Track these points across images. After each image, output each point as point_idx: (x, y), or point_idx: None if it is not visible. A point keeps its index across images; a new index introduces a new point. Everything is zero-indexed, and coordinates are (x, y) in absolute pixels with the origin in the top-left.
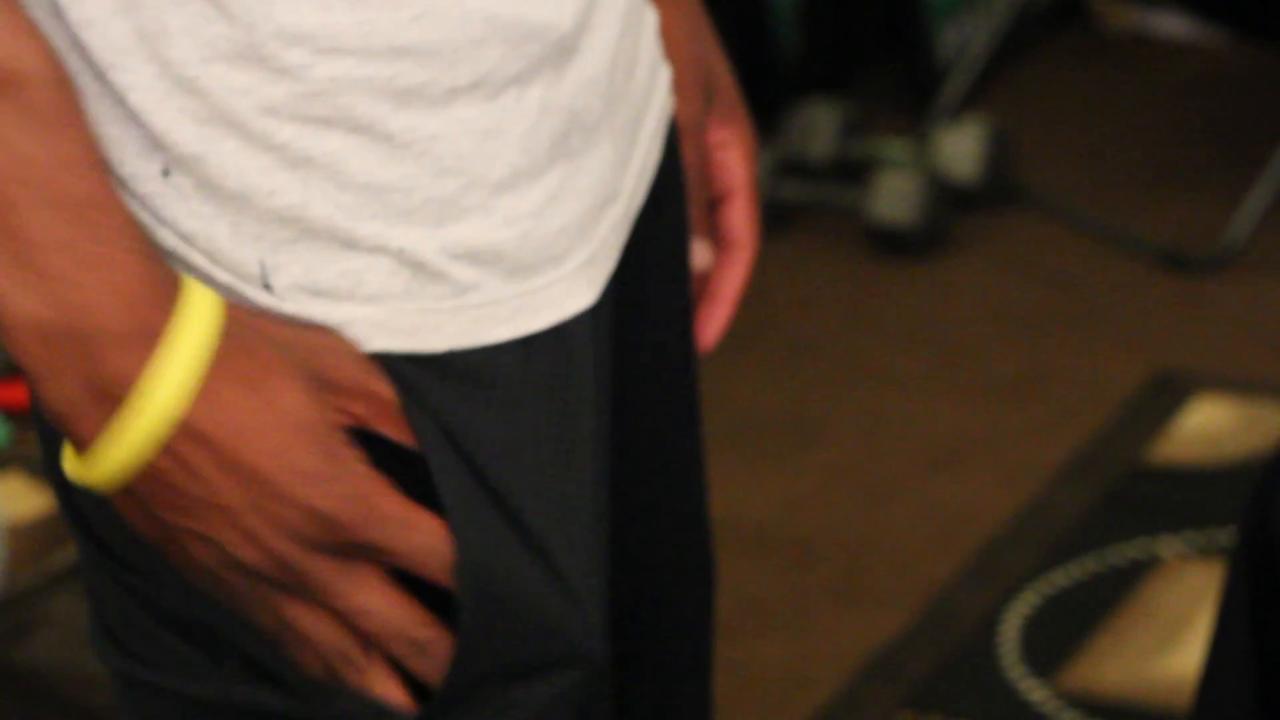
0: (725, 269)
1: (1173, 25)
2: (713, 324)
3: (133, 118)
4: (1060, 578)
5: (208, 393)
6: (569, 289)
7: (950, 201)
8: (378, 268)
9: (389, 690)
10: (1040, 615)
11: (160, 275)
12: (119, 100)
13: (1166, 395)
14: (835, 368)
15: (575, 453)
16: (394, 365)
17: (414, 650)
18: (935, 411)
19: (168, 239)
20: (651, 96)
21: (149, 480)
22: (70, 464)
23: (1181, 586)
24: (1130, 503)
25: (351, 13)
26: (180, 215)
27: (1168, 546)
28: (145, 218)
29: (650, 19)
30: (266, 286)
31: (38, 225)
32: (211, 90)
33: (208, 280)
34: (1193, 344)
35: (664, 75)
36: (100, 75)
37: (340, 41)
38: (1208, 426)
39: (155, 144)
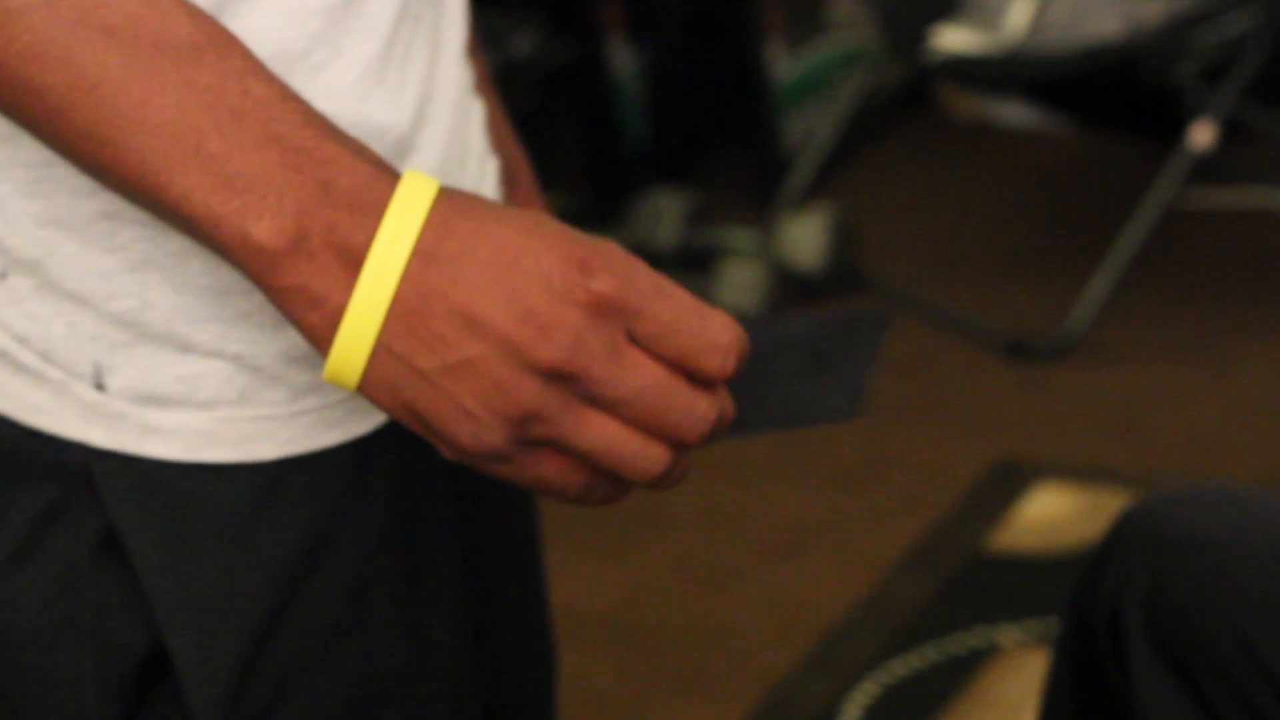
0: None
1: (1017, 114)
2: None
3: None
4: (900, 667)
5: (437, 221)
6: None
7: (794, 290)
8: (214, 373)
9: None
10: (880, 705)
11: (377, 162)
12: None
13: (1008, 483)
14: None
15: (423, 563)
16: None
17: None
18: (777, 500)
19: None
20: (481, 188)
21: (401, 320)
22: (330, 366)
23: (1021, 675)
24: (971, 591)
25: None
26: (14, 316)
27: (1007, 635)
28: None
29: (477, 112)
30: (99, 387)
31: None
32: (54, 193)
33: (38, 378)
34: (1034, 431)
35: (492, 166)
36: None
37: None
38: (1048, 514)
39: None
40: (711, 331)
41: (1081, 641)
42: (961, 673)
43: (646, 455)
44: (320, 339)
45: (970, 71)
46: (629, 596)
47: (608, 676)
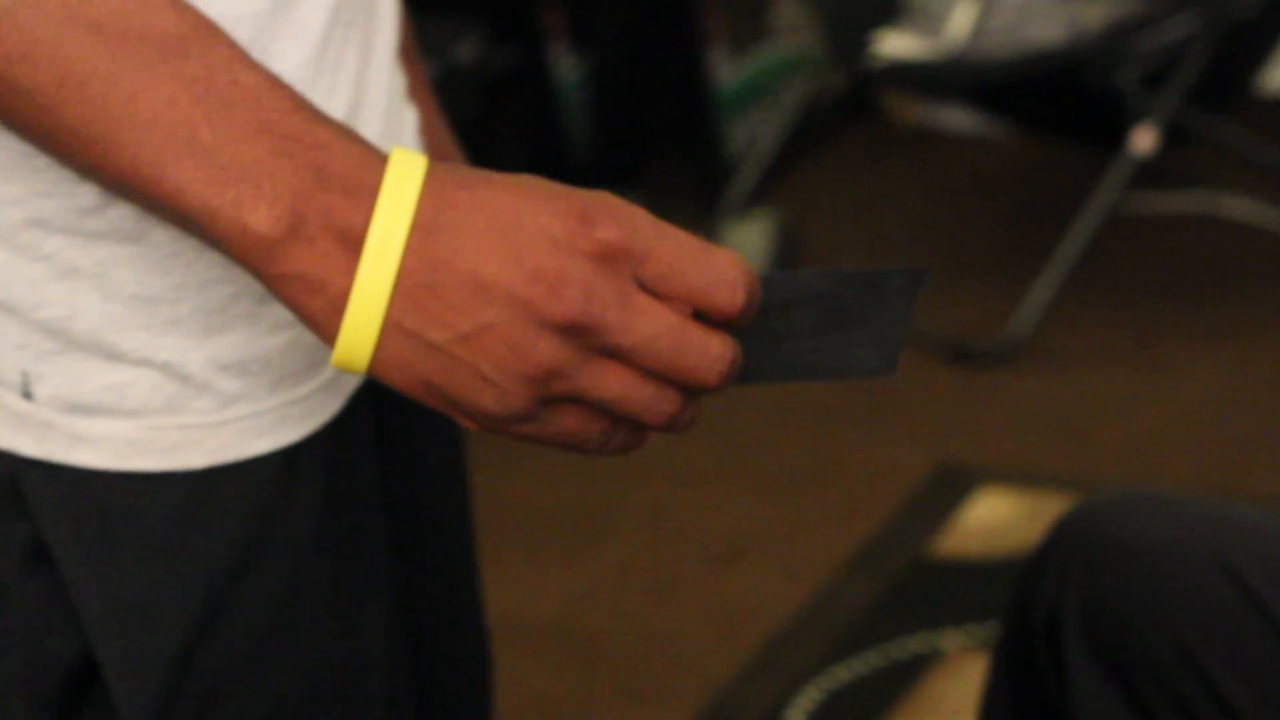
0: None
1: (960, 119)
2: None
3: None
4: (843, 672)
5: (432, 193)
6: (330, 396)
7: None
8: (142, 381)
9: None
10: (824, 710)
11: (365, 143)
12: None
13: (950, 488)
14: (620, 463)
15: (355, 568)
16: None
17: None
18: (720, 506)
19: None
20: None
21: (408, 296)
22: (339, 350)
23: (963, 680)
24: (913, 596)
25: None
26: None
27: (950, 640)
28: None
29: (410, 119)
30: (27, 395)
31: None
32: None
33: None
34: (977, 436)
35: None
36: None
37: None
38: (990, 519)
39: None
40: (718, 267)
41: (1019, 646)
42: (904, 677)
43: (662, 400)
44: (324, 325)
45: (913, 77)
46: (572, 603)
47: (551, 683)
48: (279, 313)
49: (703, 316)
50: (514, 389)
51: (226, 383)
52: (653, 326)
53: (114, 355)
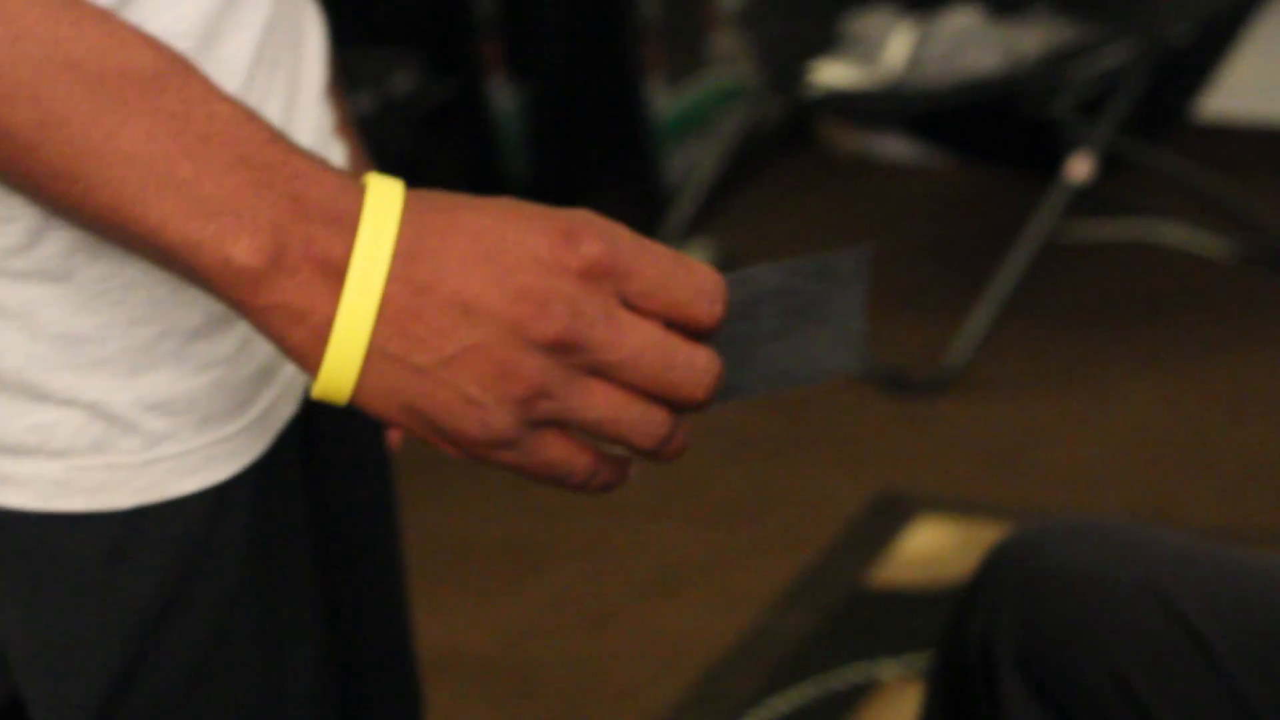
0: None
1: (897, 148)
2: (394, 434)
3: None
4: (781, 703)
5: (412, 219)
6: (257, 435)
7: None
8: (69, 422)
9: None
10: None
11: (340, 172)
12: None
13: (888, 518)
14: (561, 495)
15: (283, 606)
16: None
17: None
18: (659, 537)
19: None
20: None
21: (392, 323)
22: (322, 379)
23: (901, 710)
24: (851, 626)
25: None
26: None
27: (887, 670)
28: None
29: (337, 154)
30: None
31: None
32: None
33: None
34: (915, 465)
35: None
36: None
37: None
38: (928, 548)
39: None
40: (698, 279)
41: (953, 676)
42: (842, 708)
43: (651, 419)
44: (307, 355)
45: (850, 106)
46: (510, 636)
47: (488, 716)
48: (206, 352)
49: (677, 328)
50: (499, 411)
51: (153, 422)
52: (639, 342)
53: (40, 395)
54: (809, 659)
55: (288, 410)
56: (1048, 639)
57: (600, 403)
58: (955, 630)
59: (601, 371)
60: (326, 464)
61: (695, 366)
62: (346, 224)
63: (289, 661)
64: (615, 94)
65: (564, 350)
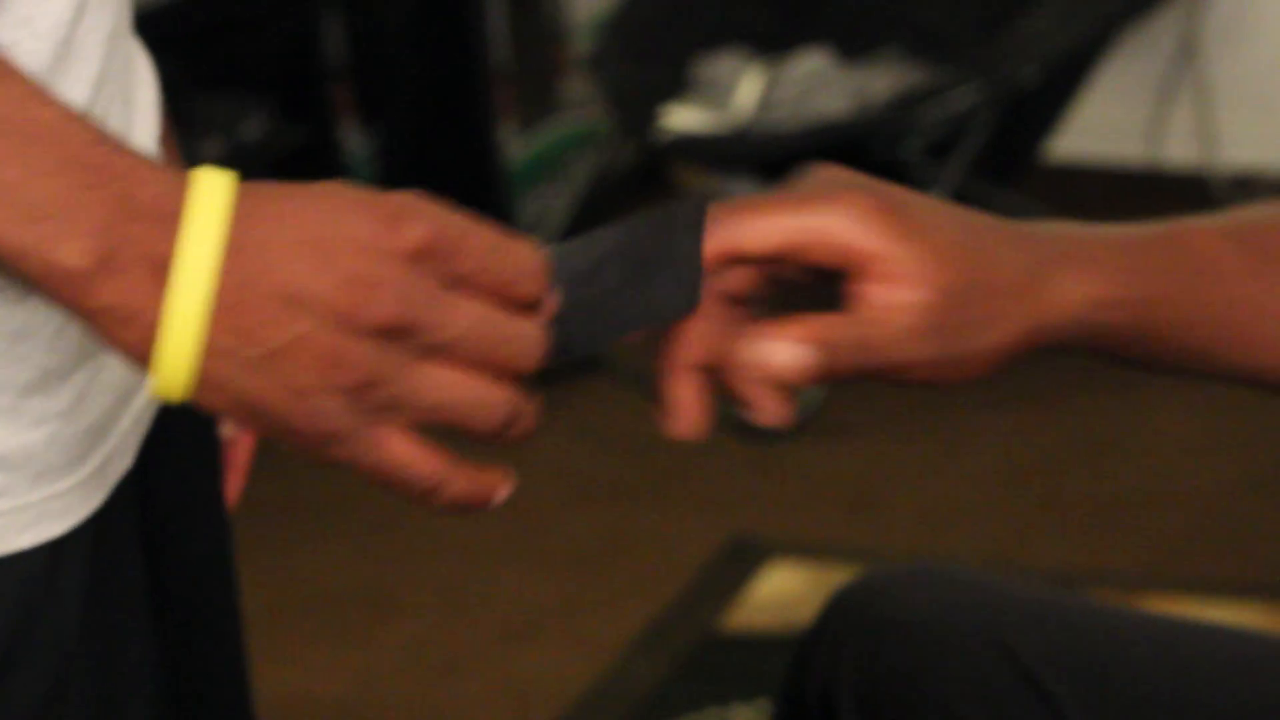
0: (238, 439)
1: (748, 191)
2: (231, 490)
3: None
4: None
5: (240, 212)
6: (93, 489)
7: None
8: None
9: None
10: None
11: (171, 170)
12: None
13: (740, 562)
14: (413, 541)
15: (120, 661)
16: None
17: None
18: (511, 583)
19: None
20: None
21: (222, 317)
22: (157, 379)
23: None
24: (704, 671)
25: None
26: None
27: (740, 714)
28: None
29: None
30: None
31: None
32: None
33: None
34: (767, 509)
35: None
36: None
37: None
38: (780, 592)
39: None
40: (520, 258)
41: None
42: None
43: (491, 400)
44: (141, 356)
45: (700, 149)
46: (361, 682)
47: None
48: (40, 406)
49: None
50: (328, 402)
51: None
52: (468, 317)
53: None
54: (663, 704)
55: (123, 464)
56: (888, 686)
57: (435, 386)
58: (796, 677)
59: (434, 353)
60: (162, 518)
61: (526, 337)
62: (174, 220)
63: (127, 708)
64: (467, 139)
65: (394, 334)
